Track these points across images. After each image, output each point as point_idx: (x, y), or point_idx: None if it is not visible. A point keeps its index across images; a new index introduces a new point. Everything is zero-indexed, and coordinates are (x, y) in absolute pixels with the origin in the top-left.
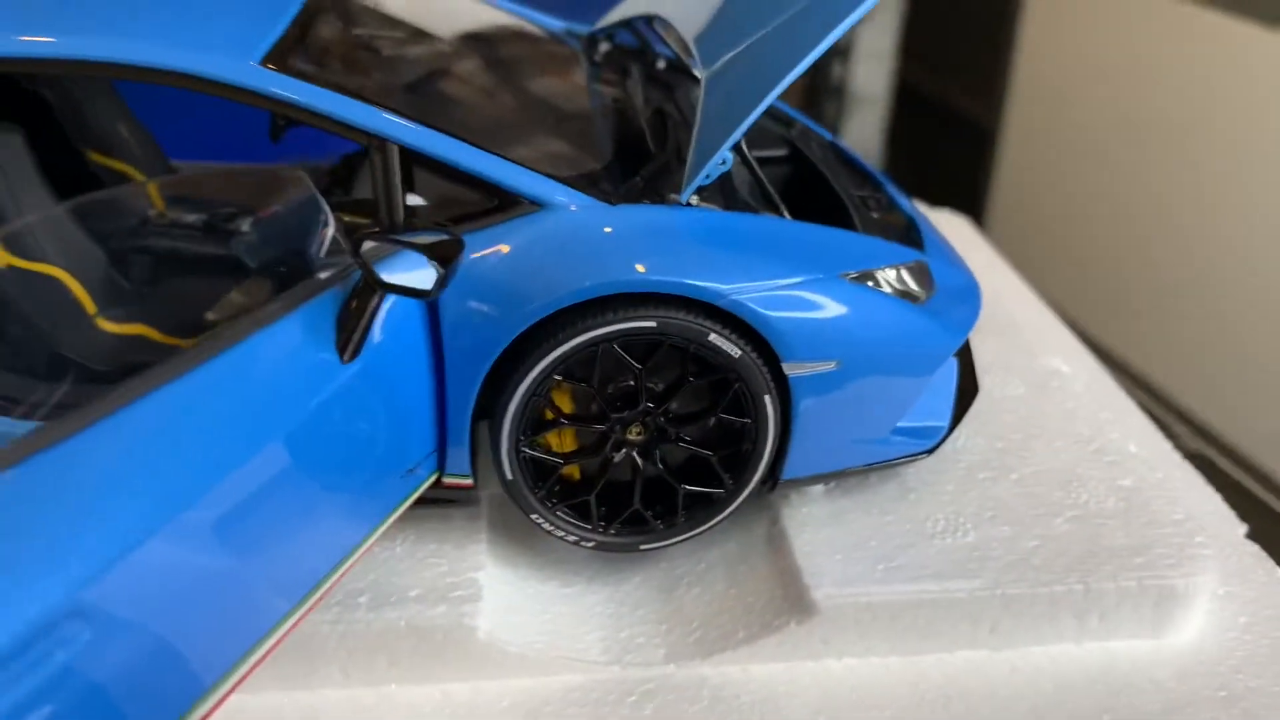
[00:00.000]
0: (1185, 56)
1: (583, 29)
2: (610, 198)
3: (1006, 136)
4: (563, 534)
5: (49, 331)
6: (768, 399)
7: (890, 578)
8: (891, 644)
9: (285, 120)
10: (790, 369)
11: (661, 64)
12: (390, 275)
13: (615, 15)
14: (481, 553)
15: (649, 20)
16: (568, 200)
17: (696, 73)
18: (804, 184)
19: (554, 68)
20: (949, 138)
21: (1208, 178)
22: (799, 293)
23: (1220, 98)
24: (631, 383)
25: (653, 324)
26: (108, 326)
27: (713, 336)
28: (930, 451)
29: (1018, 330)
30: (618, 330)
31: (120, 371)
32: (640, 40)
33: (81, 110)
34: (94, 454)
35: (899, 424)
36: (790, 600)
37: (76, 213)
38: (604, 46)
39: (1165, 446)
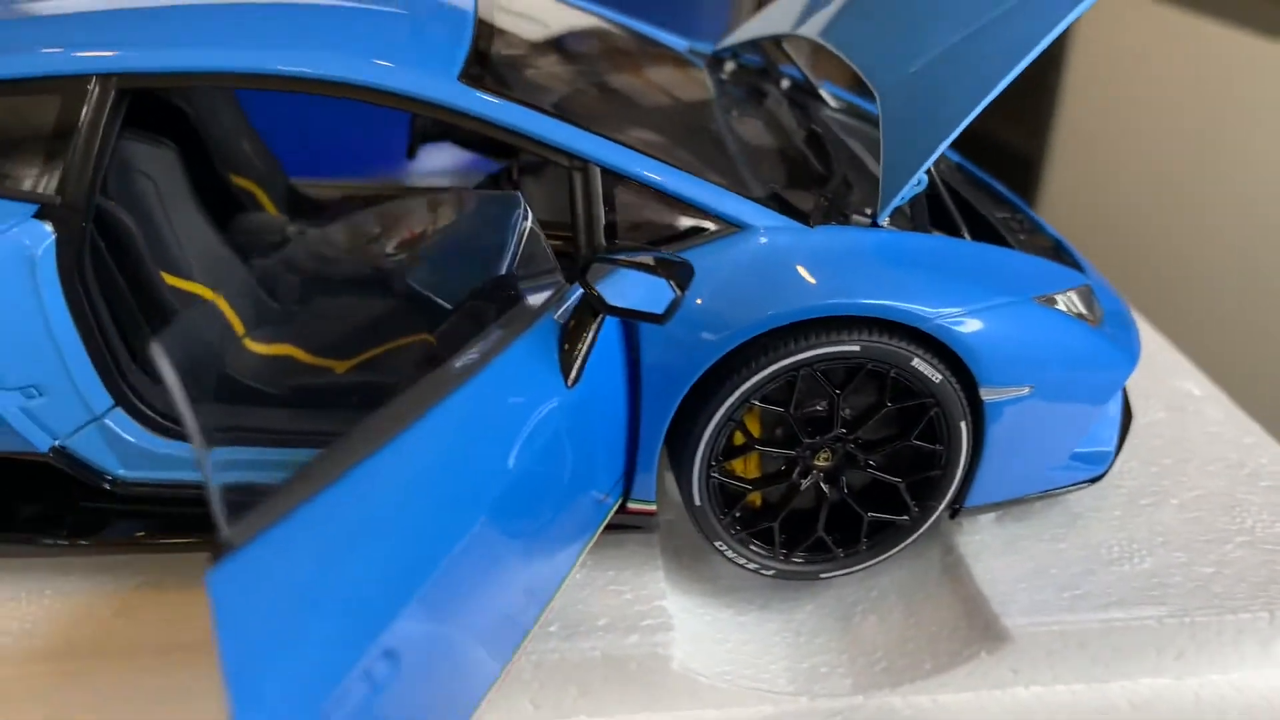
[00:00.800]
0: (1236, 86)
1: (704, 48)
2: (807, 219)
3: (1051, 166)
4: (744, 561)
5: (204, 351)
6: (963, 425)
7: (1077, 605)
8: (1079, 672)
9: (425, 138)
10: (987, 394)
11: (788, 84)
12: (619, 299)
13: (741, 35)
14: (661, 580)
15: (778, 41)
16: (766, 222)
17: (870, 90)
18: (942, 206)
19: (696, 88)
20: (988, 166)
21: (1260, 209)
22: (997, 316)
23: (1273, 128)
24: (819, 408)
25: (856, 348)
26: (255, 347)
27: (915, 361)
28: (1100, 478)
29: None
30: (821, 355)
31: (279, 392)
32: (767, 61)
33: (214, 128)
34: (351, 504)
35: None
36: (978, 629)
37: (224, 232)
38: (730, 66)
39: None
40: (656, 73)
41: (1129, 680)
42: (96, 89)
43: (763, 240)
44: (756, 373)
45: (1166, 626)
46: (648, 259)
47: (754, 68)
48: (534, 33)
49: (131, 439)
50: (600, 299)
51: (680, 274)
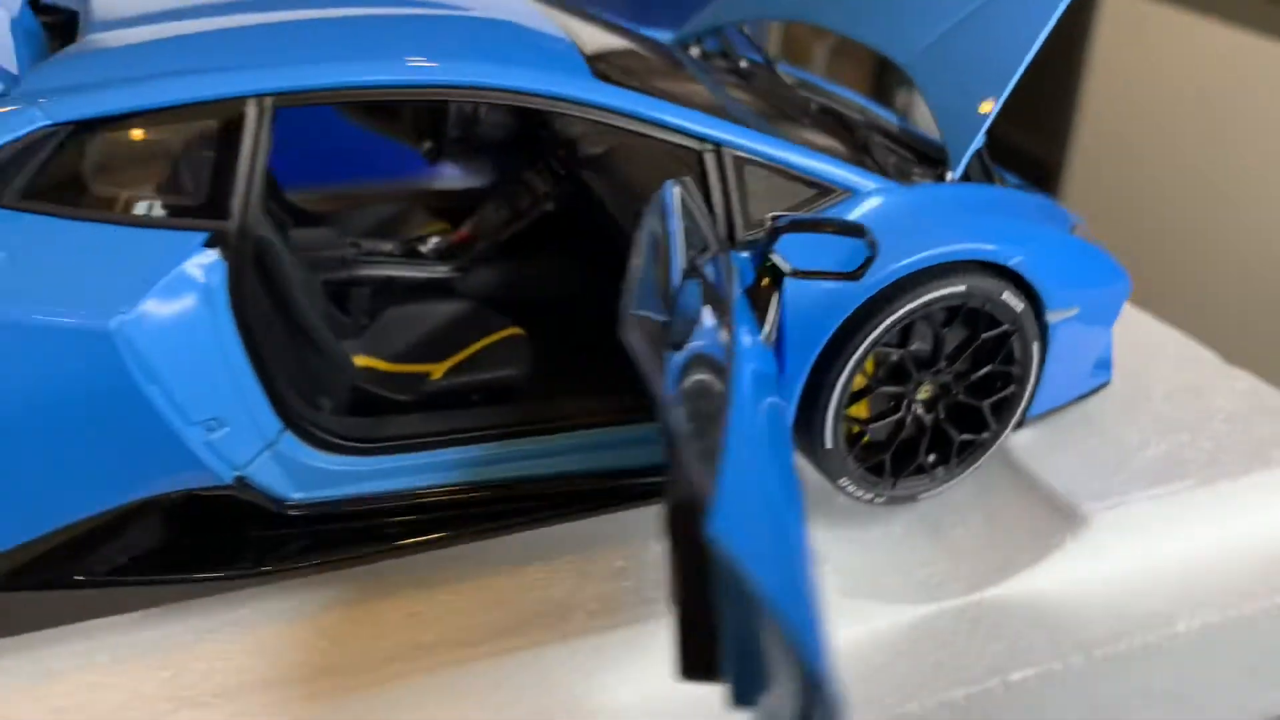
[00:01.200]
0: (1259, 92)
1: (660, 35)
2: (901, 180)
3: (1071, 173)
4: (863, 494)
5: (329, 367)
6: (1036, 346)
7: (1129, 487)
8: (1148, 543)
9: (465, 143)
10: (1051, 317)
11: (746, 64)
12: (801, 263)
13: (703, 22)
14: None
15: (738, 27)
16: (870, 185)
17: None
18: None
19: (729, 76)
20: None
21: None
22: (1056, 249)
23: None
24: (921, 346)
25: (963, 288)
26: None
27: (1005, 294)
28: (1109, 381)
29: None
30: (937, 297)
31: (411, 399)
32: (725, 44)
33: None
34: None
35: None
36: (1058, 520)
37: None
38: (694, 51)
39: None
40: (690, 66)
41: (1187, 542)
42: (255, 110)
43: (874, 202)
44: (884, 320)
45: (1198, 494)
46: (834, 223)
47: (716, 52)
48: (586, 35)
49: (303, 460)
50: (787, 266)
51: (870, 234)
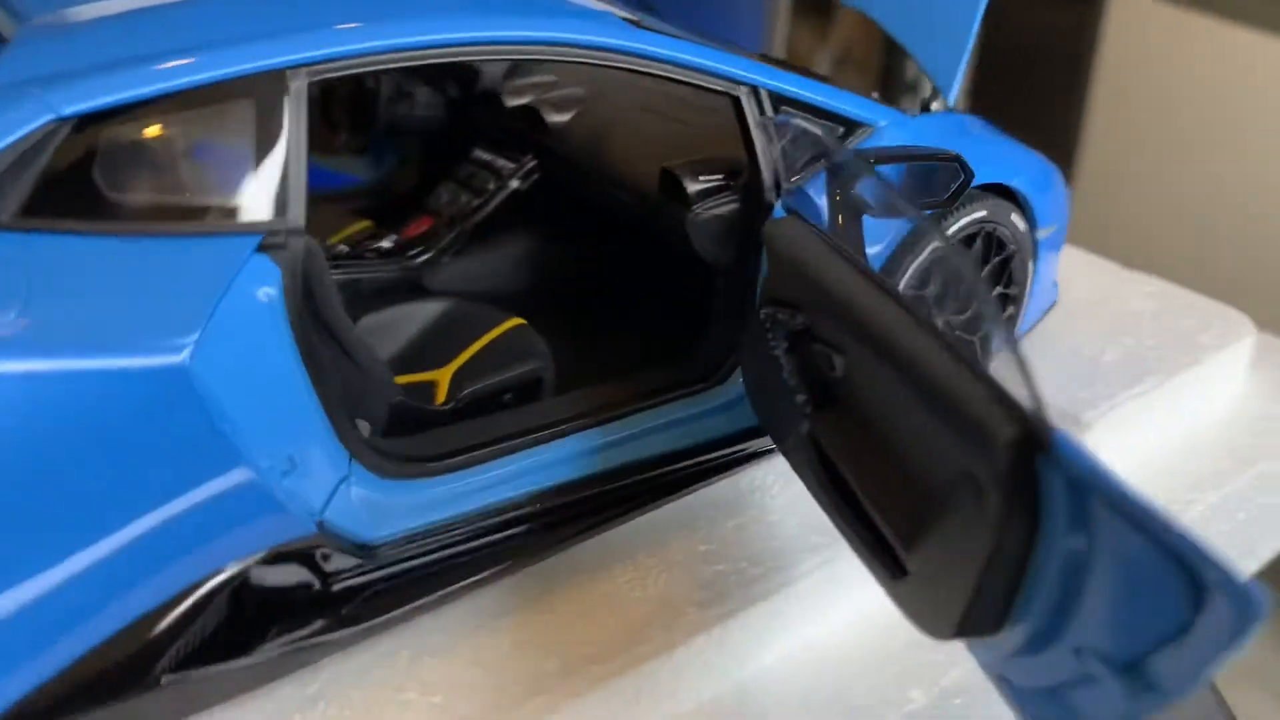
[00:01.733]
0: (1270, 93)
1: None
2: (907, 112)
3: (1080, 177)
4: None
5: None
6: (1031, 264)
7: (1114, 393)
8: (1141, 437)
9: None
10: (1039, 234)
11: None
12: None
13: None
14: None
15: None
16: (889, 119)
17: None
18: None
19: None
20: None
21: None
22: (1037, 171)
23: None
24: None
25: (985, 212)
26: None
27: (1013, 215)
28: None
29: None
30: (971, 220)
31: (445, 407)
32: None
33: None
34: None
35: None
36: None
37: None
38: None
39: None
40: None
41: (1161, 433)
42: (296, 84)
43: (895, 133)
44: (925, 248)
45: (1165, 387)
46: (926, 152)
47: None
48: None
49: (375, 493)
50: (874, 203)
51: (963, 159)
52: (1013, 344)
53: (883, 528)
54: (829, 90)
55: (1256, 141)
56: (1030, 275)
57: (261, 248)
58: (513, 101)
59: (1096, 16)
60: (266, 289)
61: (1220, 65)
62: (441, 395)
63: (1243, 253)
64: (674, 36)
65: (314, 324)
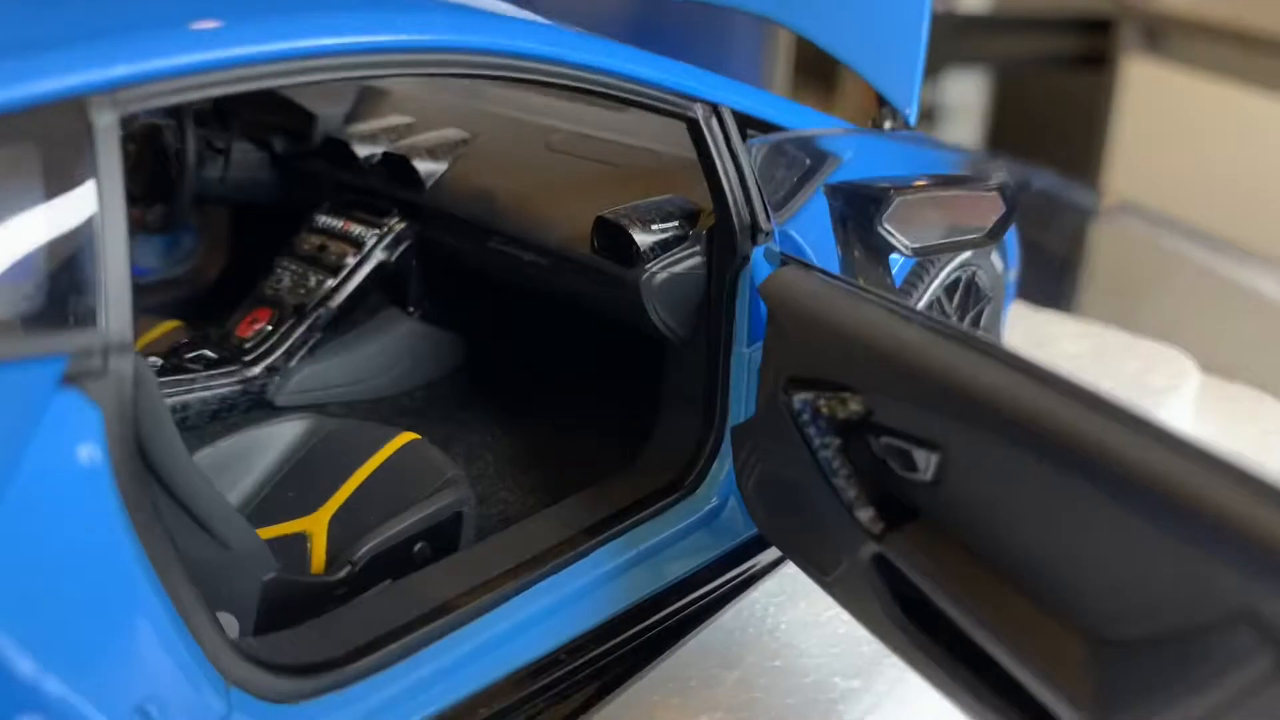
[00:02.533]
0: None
1: None
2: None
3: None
4: None
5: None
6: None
7: None
8: None
9: None
10: (1010, 275)
11: None
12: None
13: None
14: None
15: None
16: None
17: None
18: None
19: None
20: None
21: None
22: None
23: None
24: None
25: (969, 253)
26: None
27: (994, 255)
28: None
29: None
30: (960, 262)
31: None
32: None
33: None
34: None
35: None
36: None
37: None
38: None
39: None
40: None
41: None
42: (98, 119)
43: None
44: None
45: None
46: (969, 179)
47: None
48: None
49: None
50: (910, 242)
51: (1011, 189)
52: None
53: (1035, 687)
54: (795, 108)
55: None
56: (1002, 325)
57: (68, 378)
58: (365, 150)
59: (1109, 83)
60: (82, 445)
61: (1234, 129)
62: (319, 552)
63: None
64: (602, 40)
65: (160, 477)
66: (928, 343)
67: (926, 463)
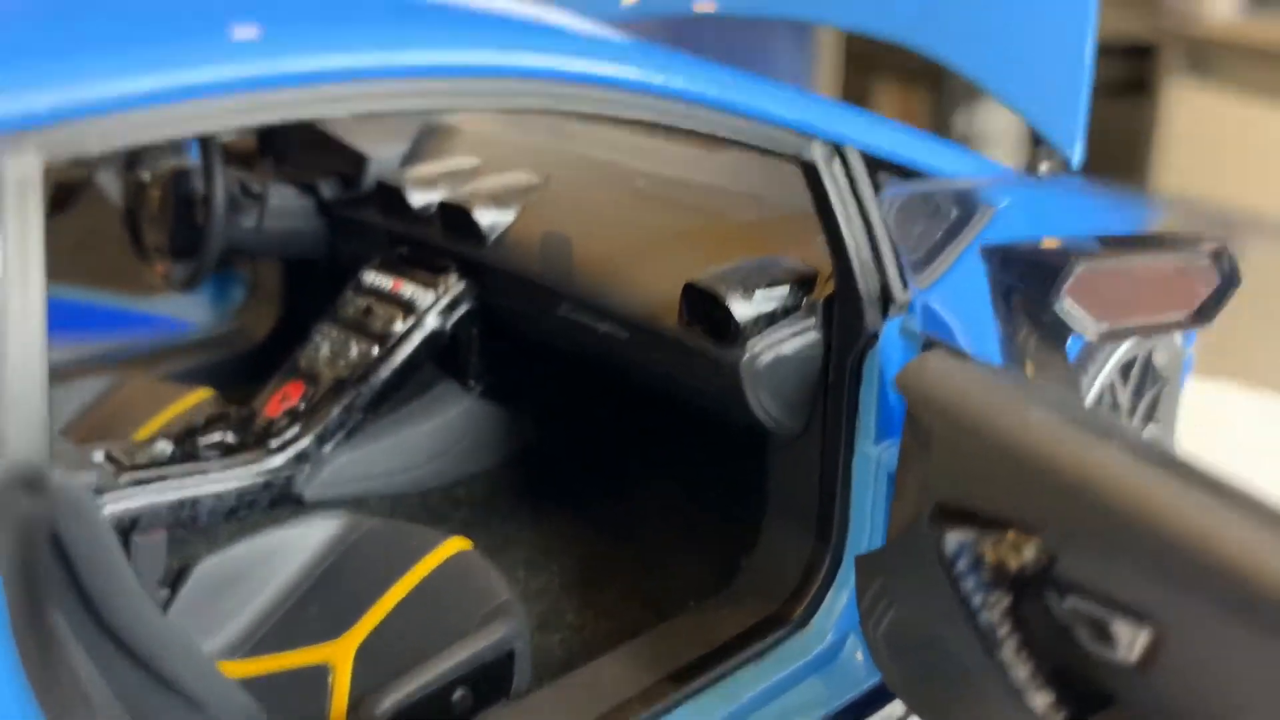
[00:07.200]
0: None
1: None
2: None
3: None
4: None
5: None
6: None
7: None
8: None
9: None
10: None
11: None
12: None
13: None
14: None
15: None
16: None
17: None
18: None
19: None
20: None
21: None
22: None
23: None
24: None
25: None
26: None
27: None
28: None
29: None
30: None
31: None
32: None
33: None
34: None
35: None
36: None
37: None
38: None
39: None
40: None
41: None
42: (8, 168)
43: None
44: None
45: None
46: (1179, 238)
47: None
48: None
49: None
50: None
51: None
52: None
53: None
54: (952, 150)
55: None
56: (1177, 409)
57: None
58: (421, 198)
59: (1153, 108)
60: None
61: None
62: (341, 691)
63: None
64: (704, 66)
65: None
66: (1141, 472)
67: (1132, 640)
